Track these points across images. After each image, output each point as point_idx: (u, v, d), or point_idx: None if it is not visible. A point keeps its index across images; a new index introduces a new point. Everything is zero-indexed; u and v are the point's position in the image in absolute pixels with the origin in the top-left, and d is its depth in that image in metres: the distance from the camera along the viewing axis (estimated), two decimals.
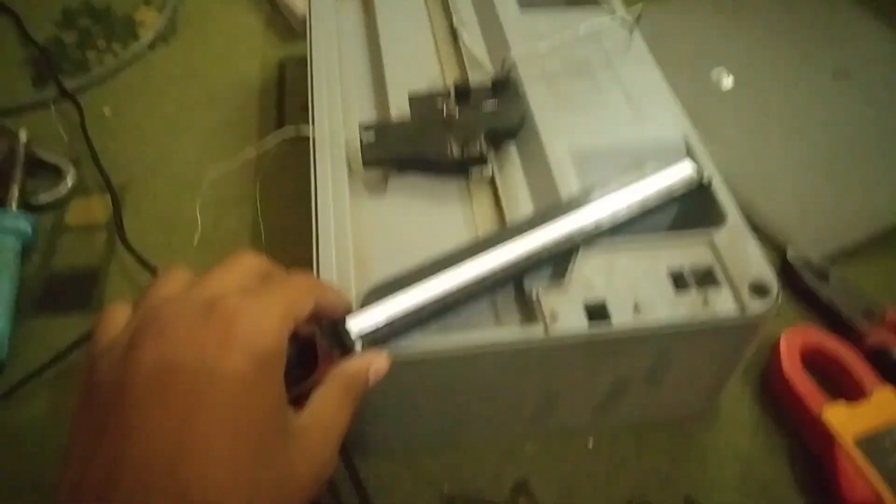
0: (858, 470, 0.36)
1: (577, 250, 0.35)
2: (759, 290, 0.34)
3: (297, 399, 0.26)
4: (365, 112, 0.46)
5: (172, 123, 0.57)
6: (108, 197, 0.50)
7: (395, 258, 0.34)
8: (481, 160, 0.40)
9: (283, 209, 0.50)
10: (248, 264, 0.27)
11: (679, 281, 0.35)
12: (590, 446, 0.39)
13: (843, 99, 0.56)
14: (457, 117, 0.41)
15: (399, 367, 0.30)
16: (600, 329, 0.32)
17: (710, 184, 0.38)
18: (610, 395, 0.38)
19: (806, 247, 0.47)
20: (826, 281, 0.45)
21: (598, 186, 0.37)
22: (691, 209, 0.40)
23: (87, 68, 0.61)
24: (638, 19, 0.48)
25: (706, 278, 0.35)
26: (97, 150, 0.53)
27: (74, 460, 0.22)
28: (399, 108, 0.44)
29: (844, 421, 0.37)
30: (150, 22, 0.66)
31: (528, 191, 0.40)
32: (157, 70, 0.62)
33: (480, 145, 0.40)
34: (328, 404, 0.26)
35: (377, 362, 0.28)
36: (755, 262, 0.35)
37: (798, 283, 0.45)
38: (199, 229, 0.41)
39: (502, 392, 0.36)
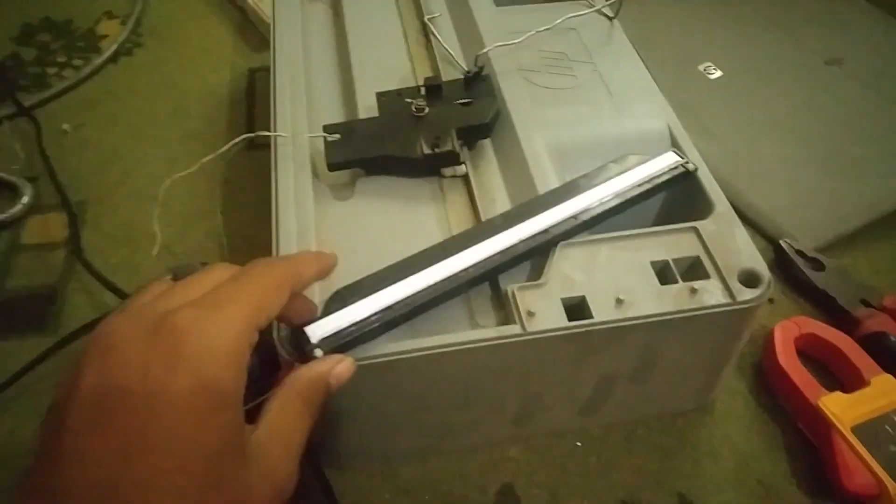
0: (857, 457, 0.34)
1: (555, 246, 0.33)
2: (750, 278, 0.32)
3: (253, 410, 0.24)
4: (332, 115, 0.44)
5: (136, 137, 0.55)
6: (66, 214, 0.48)
7: (364, 264, 0.32)
8: (454, 158, 0.38)
9: (250, 220, 0.48)
10: (219, 277, 0.25)
11: (664, 273, 0.33)
12: (578, 445, 0.38)
13: (835, 86, 0.55)
14: (427, 114, 0.39)
15: (369, 372, 0.28)
16: (580, 325, 0.31)
17: (695, 169, 0.36)
18: (596, 394, 0.36)
19: (799, 237, 0.46)
20: (820, 270, 0.44)
21: (578, 180, 0.35)
22: (677, 202, 0.39)
23: (46, 84, 0.59)
24: (617, 11, 0.47)
25: (693, 269, 0.34)
26: (56, 166, 0.52)
27: (24, 486, 0.21)
28: (367, 108, 0.42)
29: (841, 409, 0.36)
30: (113, 34, 0.64)
31: (505, 189, 0.39)
32: (119, 83, 0.61)
33: (452, 141, 0.38)
34: (285, 415, 0.24)
35: (339, 367, 0.26)
36: (744, 251, 0.34)
37: (792, 274, 0.44)
38: (159, 239, 0.39)
39: (481, 395, 0.34)
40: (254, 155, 0.53)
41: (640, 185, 0.35)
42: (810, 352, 0.40)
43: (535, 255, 0.33)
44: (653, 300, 0.32)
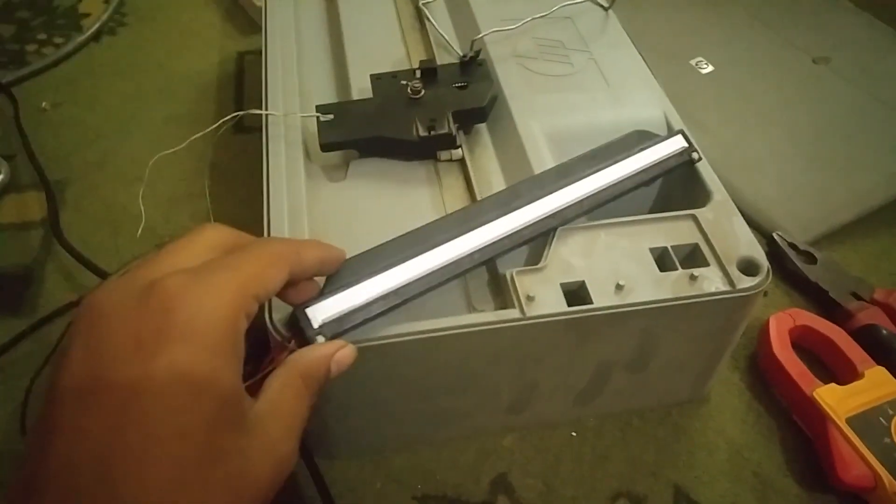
0: (852, 449, 0.34)
1: (555, 231, 0.33)
2: (749, 266, 0.32)
3: (251, 388, 0.23)
4: (325, 96, 0.43)
5: (118, 118, 0.54)
6: (44, 193, 0.46)
7: (357, 247, 0.31)
8: (450, 141, 0.38)
9: (238, 203, 0.47)
10: (210, 238, 0.23)
11: (663, 260, 0.33)
12: (573, 436, 0.37)
13: (824, 83, 0.56)
14: (422, 95, 0.39)
15: (362, 356, 0.27)
16: (580, 310, 0.30)
17: (700, 159, 0.36)
18: (593, 383, 0.35)
19: (791, 230, 0.46)
20: (813, 263, 0.44)
21: (583, 158, 0.35)
22: (674, 189, 0.38)
23: (25, 61, 0.57)
24: (613, 1, 0.47)
25: (692, 256, 0.33)
26: (34, 145, 0.50)
27: (22, 461, 0.20)
28: (361, 91, 0.41)
29: (836, 401, 0.36)
30: (96, 13, 0.62)
31: (502, 174, 0.38)
32: (102, 63, 0.59)
33: (449, 124, 0.37)
34: (286, 393, 0.23)
35: (341, 353, 0.25)
36: (743, 239, 0.33)
37: (784, 267, 0.44)
38: (143, 220, 0.37)
39: (476, 381, 0.33)
40: (242, 138, 0.52)
41: (646, 170, 0.35)
42: (804, 344, 0.40)
43: (544, 234, 0.32)
44: (652, 286, 0.31)
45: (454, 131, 0.37)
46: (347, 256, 0.29)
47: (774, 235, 0.45)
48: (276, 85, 0.41)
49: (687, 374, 0.37)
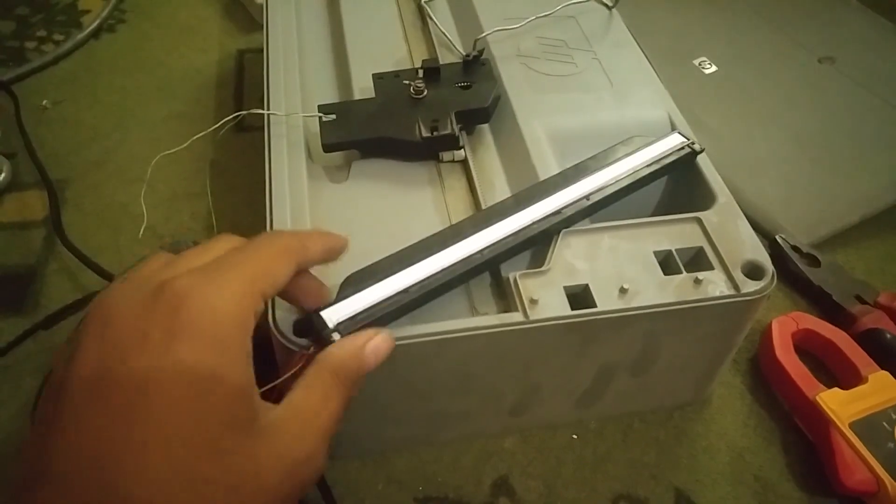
0: (855, 454, 0.34)
1: (558, 234, 0.32)
2: (753, 270, 0.32)
3: (270, 394, 0.23)
4: (327, 96, 0.43)
5: (118, 116, 0.54)
6: (45, 192, 0.46)
7: (359, 248, 0.30)
8: (453, 142, 0.37)
9: (241, 204, 0.47)
10: (224, 247, 0.24)
11: (667, 263, 0.32)
12: (574, 438, 0.37)
13: (828, 83, 0.55)
14: (425, 95, 0.38)
15: None
16: (583, 313, 0.30)
17: (702, 150, 0.36)
18: (595, 385, 0.35)
19: (794, 232, 0.46)
20: (816, 266, 0.43)
21: (585, 162, 0.35)
22: (678, 191, 0.38)
23: (25, 59, 0.57)
24: (616, 1, 0.47)
25: (696, 260, 0.33)
26: (35, 143, 0.49)
27: (24, 453, 0.20)
28: (363, 90, 0.41)
29: (839, 405, 0.36)
30: (96, 10, 0.62)
31: (504, 175, 0.38)
32: (102, 60, 0.58)
33: (452, 125, 0.37)
34: (310, 394, 0.23)
35: (375, 341, 0.25)
36: (747, 243, 0.33)
37: (787, 269, 0.44)
38: (145, 220, 0.37)
39: (478, 384, 0.33)
40: (243, 137, 0.51)
41: (648, 166, 0.35)
42: (807, 347, 0.40)
43: (550, 236, 0.32)
44: (657, 290, 0.31)
45: (457, 132, 0.37)
46: (352, 261, 0.28)
47: (777, 238, 0.45)
48: (277, 84, 0.41)
49: (689, 376, 0.37)
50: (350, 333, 0.26)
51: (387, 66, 0.42)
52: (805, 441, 0.37)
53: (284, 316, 0.28)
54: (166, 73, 0.58)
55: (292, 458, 0.21)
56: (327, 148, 0.37)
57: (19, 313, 0.41)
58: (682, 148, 0.36)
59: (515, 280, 0.31)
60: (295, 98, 0.40)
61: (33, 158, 0.48)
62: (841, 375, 0.39)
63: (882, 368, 0.37)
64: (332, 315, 0.26)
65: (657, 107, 0.40)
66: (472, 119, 0.39)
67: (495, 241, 0.31)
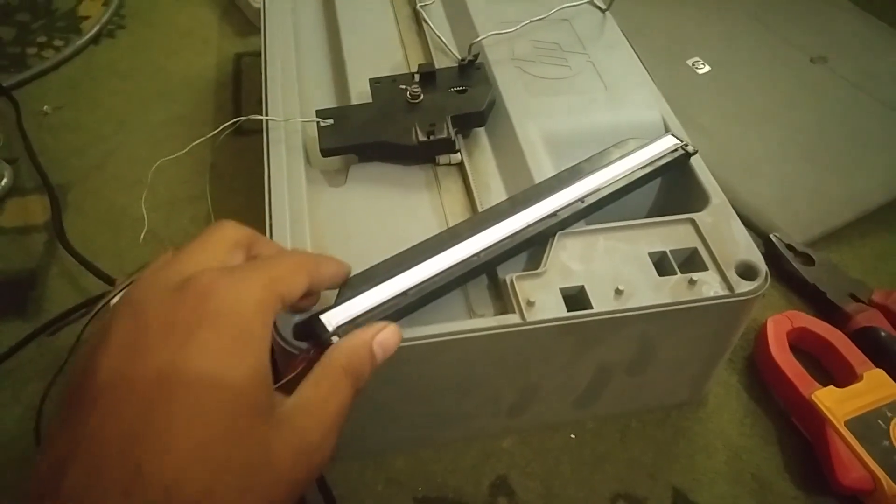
0: (851, 452, 0.34)
1: (554, 236, 0.33)
2: (747, 270, 0.32)
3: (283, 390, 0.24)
4: (324, 101, 0.43)
5: (119, 120, 0.54)
6: (47, 197, 0.47)
7: (357, 251, 0.31)
8: (449, 145, 0.38)
9: (240, 207, 0.47)
10: (228, 235, 0.25)
11: (662, 264, 0.33)
12: (572, 438, 0.37)
13: (820, 83, 0.56)
14: (421, 100, 0.39)
15: None
16: (580, 315, 0.30)
17: (695, 151, 0.36)
18: (592, 386, 0.35)
19: (788, 231, 0.46)
20: (810, 265, 0.44)
21: (580, 164, 0.35)
22: (672, 193, 0.39)
23: (26, 64, 0.58)
24: (610, 3, 0.47)
25: (690, 261, 0.33)
26: (36, 148, 0.50)
27: (45, 443, 0.21)
28: (360, 95, 0.42)
29: (834, 403, 0.36)
30: (95, 16, 0.63)
31: (501, 178, 0.38)
32: (101, 65, 0.59)
33: (448, 129, 0.37)
34: (319, 386, 0.24)
35: (383, 334, 0.26)
36: (741, 243, 0.33)
37: (782, 268, 0.44)
38: (146, 225, 0.37)
39: (476, 385, 0.34)
40: (241, 140, 0.52)
41: (642, 168, 0.35)
42: (802, 346, 0.40)
43: (546, 238, 0.33)
44: (652, 291, 0.31)
45: (453, 136, 0.37)
46: (350, 263, 0.29)
47: (772, 237, 0.45)
48: (275, 89, 0.41)
49: (685, 376, 0.37)
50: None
51: (383, 71, 0.42)
52: (801, 439, 0.37)
53: (284, 319, 0.29)
54: (166, 78, 0.58)
55: (303, 446, 0.22)
56: (325, 152, 0.37)
57: (21, 318, 0.41)
58: (676, 150, 0.36)
59: (512, 282, 0.31)
60: (293, 103, 0.40)
61: (34, 163, 0.49)
62: (836, 374, 0.39)
63: (877, 366, 0.38)
64: (332, 318, 0.27)
65: (651, 108, 0.40)
66: (468, 123, 0.39)
67: (492, 243, 0.31)
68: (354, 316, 0.27)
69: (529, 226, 0.32)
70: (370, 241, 0.34)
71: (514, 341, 0.31)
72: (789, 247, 0.45)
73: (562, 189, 0.33)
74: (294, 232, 0.33)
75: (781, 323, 0.40)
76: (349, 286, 0.28)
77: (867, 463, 0.34)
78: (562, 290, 0.31)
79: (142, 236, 0.37)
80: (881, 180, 0.48)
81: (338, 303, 0.28)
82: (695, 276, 0.32)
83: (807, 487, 0.36)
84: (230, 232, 0.25)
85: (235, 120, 0.38)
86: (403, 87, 0.39)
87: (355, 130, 0.38)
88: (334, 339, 0.26)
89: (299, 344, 0.28)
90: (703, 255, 0.33)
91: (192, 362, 0.20)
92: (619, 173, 0.34)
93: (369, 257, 0.30)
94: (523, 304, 0.30)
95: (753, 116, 0.53)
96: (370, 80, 0.40)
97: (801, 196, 0.48)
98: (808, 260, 0.44)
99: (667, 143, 0.36)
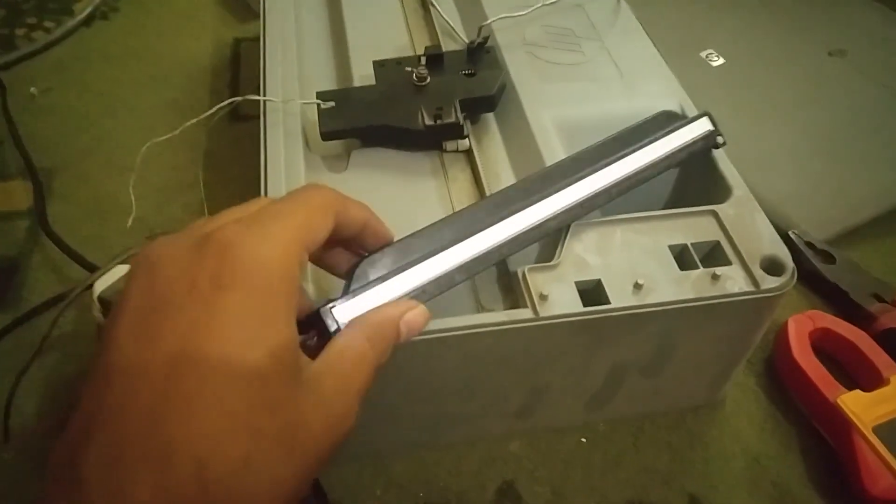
0: (880, 459, 0.32)
1: (569, 226, 0.31)
2: (773, 265, 0.30)
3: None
4: (325, 83, 0.41)
5: (109, 104, 0.52)
6: (30, 182, 0.44)
7: None
8: (457, 130, 0.36)
9: (235, 196, 0.44)
10: (262, 203, 0.23)
11: (682, 258, 0.31)
12: (583, 442, 0.35)
13: (840, 77, 0.54)
14: (428, 83, 0.37)
15: None
16: (596, 310, 0.28)
17: (724, 144, 0.34)
18: (605, 386, 0.33)
19: (808, 229, 0.44)
20: (831, 263, 0.42)
21: (605, 143, 0.33)
22: (691, 183, 0.37)
23: (14, 45, 0.55)
24: None
25: (713, 254, 0.32)
26: (21, 131, 0.48)
27: (77, 404, 0.20)
28: (363, 78, 0.40)
29: (861, 408, 0.34)
30: None
31: (511, 166, 0.36)
32: (93, 48, 0.57)
33: (456, 113, 0.35)
34: (347, 353, 0.22)
35: (412, 313, 0.24)
36: (766, 237, 0.32)
37: (801, 266, 0.42)
38: (134, 211, 0.35)
39: (483, 384, 0.32)
40: (238, 126, 0.50)
41: (670, 156, 0.33)
42: (824, 348, 0.38)
43: (566, 226, 0.30)
44: (673, 286, 0.29)
45: (461, 120, 0.35)
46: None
47: (790, 234, 0.44)
48: (274, 70, 0.39)
49: (703, 377, 0.35)
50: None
51: (388, 54, 0.40)
52: (825, 446, 0.35)
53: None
54: (159, 62, 0.56)
55: (332, 411, 0.21)
56: (326, 136, 0.35)
57: (2, 307, 0.39)
58: (707, 138, 0.34)
59: (524, 274, 0.29)
60: (292, 85, 0.39)
61: (18, 147, 0.47)
62: (860, 377, 0.37)
63: None
64: (344, 313, 0.24)
65: (669, 97, 0.38)
66: (477, 108, 0.37)
67: (515, 233, 0.28)
68: (365, 312, 0.25)
69: (556, 214, 0.30)
70: None
71: (524, 338, 0.29)
72: (809, 244, 0.43)
73: (591, 171, 0.31)
74: None
75: (803, 323, 0.38)
76: (363, 272, 0.26)
77: None
78: (577, 283, 0.29)
79: (128, 223, 0.35)
80: None
81: (351, 293, 0.25)
82: (718, 270, 0.30)
83: (831, 497, 0.34)
84: (263, 201, 0.23)
85: (231, 100, 0.36)
86: (409, 69, 0.37)
87: (358, 113, 0.36)
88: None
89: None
90: (726, 248, 0.31)
91: (216, 328, 0.19)
92: (649, 159, 0.32)
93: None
94: (536, 298, 0.28)
95: (770, 111, 0.51)
96: (374, 62, 0.38)
97: (820, 192, 0.46)
98: (829, 258, 0.42)
99: (702, 126, 0.34)
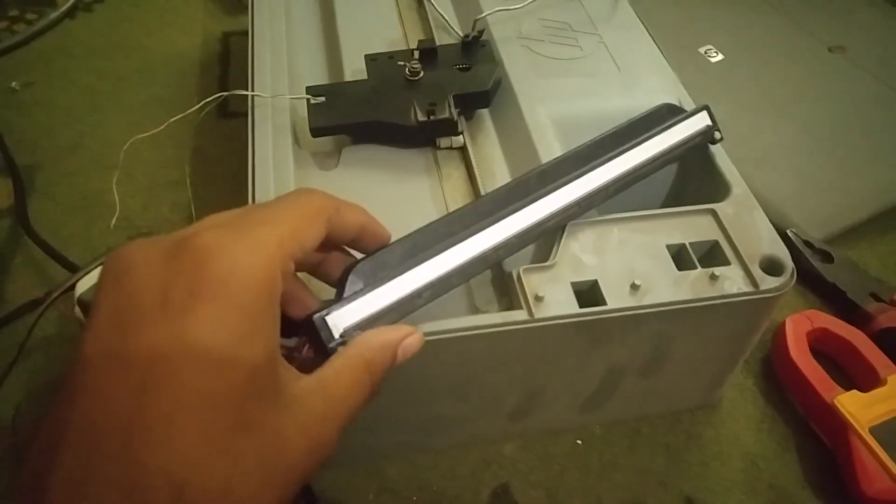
0: (876, 460, 0.32)
1: (565, 225, 0.30)
2: (772, 265, 0.30)
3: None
4: (316, 78, 0.40)
5: (94, 99, 0.51)
6: (10, 180, 0.43)
7: None
8: (451, 127, 0.35)
9: (224, 194, 0.44)
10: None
11: (680, 258, 0.30)
12: (578, 444, 0.35)
13: (839, 74, 0.53)
14: (421, 77, 0.36)
15: None
16: (593, 312, 0.27)
17: (721, 139, 0.34)
18: (601, 388, 0.33)
19: (806, 228, 0.43)
20: (829, 262, 0.41)
21: (603, 141, 0.32)
22: (689, 182, 0.36)
23: None
24: None
25: (711, 254, 0.31)
26: (2, 127, 0.46)
27: (43, 421, 0.19)
28: (355, 73, 0.39)
29: (858, 409, 0.34)
30: None
31: (506, 163, 0.35)
32: (77, 41, 0.55)
33: (450, 109, 0.35)
34: (343, 376, 0.21)
35: (411, 340, 0.23)
36: (765, 237, 0.31)
37: (799, 265, 0.41)
38: (118, 209, 0.34)
39: (477, 386, 0.31)
40: (227, 123, 0.49)
41: (668, 152, 0.32)
42: (821, 348, 0.38)
43: (563, 225, 0.30)
44: (670, 286, 0.29)
45: (455, 116, 0.35)
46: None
47: (788, 233, 0.43)
48: (263, 64, 0.38)
49: (700, 378, 0.35)
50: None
51: (380, 48, 0.39)
52: (822, 447, 0.35)
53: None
54: (146, 56, 0.55)
55: (314, 432, 0.20)
56: (316, 132, 0.34)
57: None
58: (706, 132, 0.33)
59: (519, 275, 0.28)
60: (282, 80, 0.38)
61: None
62: (858, 377, 0.37)
63: None
64: (339, 321, 0.23)
65: (667, 93, 0.38)
66: (472, 103, 0.37)
67: (512, 234, 0.28)
68: (362, 319, 0.24)
69: (554, 213, 0.29)
70: None
71: (520, 339, 0.28)
72: (807, 243, 0.43)
73: (589, 169, 0.30)
74: None
75: (801, 323, 0.37)
76: (356, 277, 0.25)
77: (894, 473, 0.32)
78: (573, 284, 0.29)
79: (112, 222, 0.34)
80: None
81: (345, 299, 0.24)
82: (716, 270, 0.29)
83: (828, 498, 0.34)
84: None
85: (218, 95, 0.35)
86: (402, 63, 0.36)
87: (349, 109, 0.35)
88: (340, 349, 0.23)
89: (285, 341, 0.25)
90: (724, 248, 0.31)
91: (191, 340, 0.18)
92: (648, 155, 0.31)
93: None
94: (531, 300, 0.28)
95: (769, 107, 0.51)
96: (366, 56, 0.38)
97: (818, 190, 0.46)
98: (827, 257, 0.42)
99: (700, 121, 0.34)
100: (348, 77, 0.39)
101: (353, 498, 0.33)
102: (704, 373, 0.34)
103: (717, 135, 0.34)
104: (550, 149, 0.34)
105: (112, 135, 0.48)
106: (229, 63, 0.55)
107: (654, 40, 0.42)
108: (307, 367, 0.21)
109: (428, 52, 0.37)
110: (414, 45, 0.38)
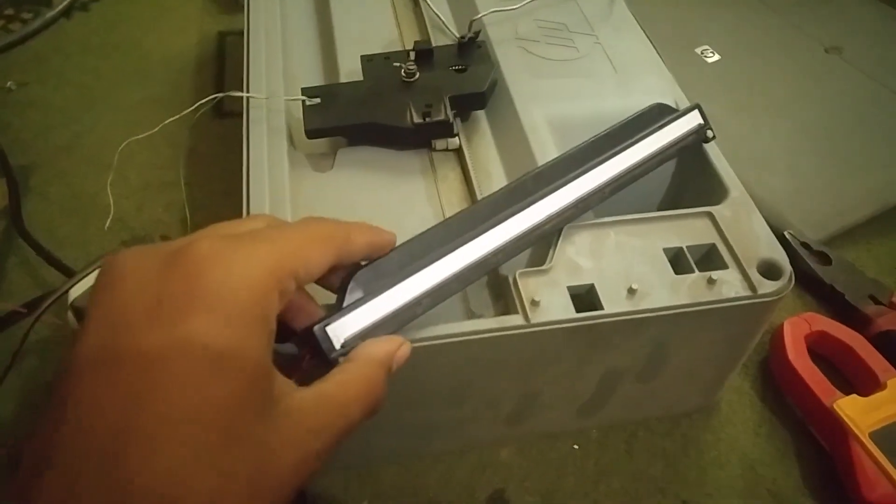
0: (877, 466, 0.32)
1: (561, 229, 0.30)
2: (770, 269, 0.30)
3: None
4: (311, 79, 0.40)
5: (90, 99, 0.50)
6: (5, 180, 0.43)
7: None
8: (447, 128, 0.35)
9: (218, 195, 0.44)
10: (261, 221, 0.22)
11: (677, 261, 0.30)
12: (575, 448, 0.35)
13: (836, 74, 0.53)
14: (417, 79, 0.36)
15: None
16: (589, 316, 0.27)
17: (713, 137, 0.34)
18: (598, 393, 0.33)
19: (803, 229, 0.43)
20: (827, 264, 0.41)
21: (597, 141, 0.32)
22: (686, 184, 0.36)
23: None
24: None
25: (708, 258, 0.31)
26: None
27: (33, 434, 0.18)
28: (350, 74, 0.38)
29: (858, 413, 0.33)
30: None
31: (502, 165, 0.35)
32: (72, 40, 0.55)
33: (446, 110, 0.34)
34: (345, 390, 0.21)
35: (403, 351, 0.23)
36: (763, 240, 0.31)
37: (796, 267, 0.41)
38: (112, 211, 0.34)
39: (473, 392, 0.31)
40: (222, 123, 0.49)
41: (661, 152, 0.32)
42: (820, 351, 0.38)
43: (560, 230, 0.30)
44: (668, 291, 0.29)
45: (451, 118, 0.34)
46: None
47: (786, 234, 0.43)
48: (258, 65, 0.38)
49: (698, 382, 0.35)
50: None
51: (376, 48, 0.39)
52: (822, 452, 0.35)
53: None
54: (142, 56, 0.55)
55: (304, 448, 0.19)
56: (311, 134, 0.34)
57: None
58: (699, 130, 0.33)
59: (515, 279, 0.28)
60: (277, 81, 0.37)
61: None
62: (857, 381, 0.36)
63: None
64: (340, 331, 0.23)
65: (664, 94, 0.37)
66: (468, 104, 0.36)
67: (509, 238, 0.27)
68: (363, 329, 0.24)
69: (550, 217, 0.29)
70: None
71: (516, 344, 0.28)
72: (804, 245, 0.42)
73: (583, 171, 0.30)
74: None
75: (799, 326, 0.37)
76: (355, 286, 0.24)
77: (894, 478, 0.31)
78: (569, 288, 0.28)
79: (107, 223, 0.34)
80: None
81: (345, 309, 0.24)
82: (714, 274, 0.29)
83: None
84: (264, 217, 0.22)
85: (213, 96, 0.35)
86: (398, 64, 0.36)
87: (344, 110, 0.35)
88: (341, 360, 0.23)
89: (283, 347, 0.24)
90: (722, 251, 0.30)
91: (182, 352, 0.17)
92: (641, 156, 0.31)
93: None
94: (527, 304, 0.27)
95: (765, 108, 0.51)
96: (362, 56, 0.37)
97: (815, 192, 0.45)
98: (825, 259, 0.42)
99: (692, 120, 0.33)
100: (344, 78, 0.39)
101: (347, 502, 0.32)
102: (702, 377, 0.34)
103: (710, 133, 0.33)
104: (546, 150, 0.34)
105: (107, 135, 0.48)
106: (225, 62, 0.55)
107: (650, 41, 0.41)
108: (311, 379, 0.21)
109: (424, 54, 0.37)
110: (410, 46, 0.38)
